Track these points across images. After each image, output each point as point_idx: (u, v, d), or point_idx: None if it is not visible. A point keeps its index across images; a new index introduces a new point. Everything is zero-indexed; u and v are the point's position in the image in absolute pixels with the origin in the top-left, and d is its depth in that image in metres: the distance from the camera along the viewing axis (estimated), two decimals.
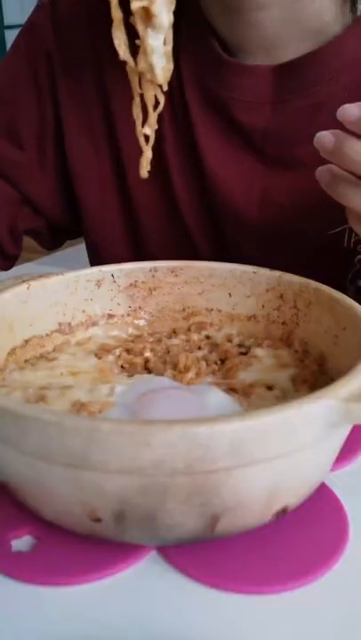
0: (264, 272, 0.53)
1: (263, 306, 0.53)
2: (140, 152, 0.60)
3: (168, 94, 0.60)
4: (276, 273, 0.52)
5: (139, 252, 0.69)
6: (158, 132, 0.60)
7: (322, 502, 0.40)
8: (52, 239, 0.77)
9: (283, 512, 0.36)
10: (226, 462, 0.31)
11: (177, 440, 0.30)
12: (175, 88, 0.63)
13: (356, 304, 0.44)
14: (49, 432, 0.31)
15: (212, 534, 0.35)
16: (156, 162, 0.61)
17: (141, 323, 0.56)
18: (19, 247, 0.73)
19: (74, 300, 0.53)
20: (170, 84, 0.57)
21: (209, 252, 0.66)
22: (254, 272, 0.53)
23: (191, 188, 0.65)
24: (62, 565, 0.36)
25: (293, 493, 0.37)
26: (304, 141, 0.57)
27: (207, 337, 0.54)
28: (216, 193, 0.64)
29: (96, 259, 0.72)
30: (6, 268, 0.73)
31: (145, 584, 0.35)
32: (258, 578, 0.35)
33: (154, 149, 0.57)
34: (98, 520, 0.34)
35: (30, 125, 0.68)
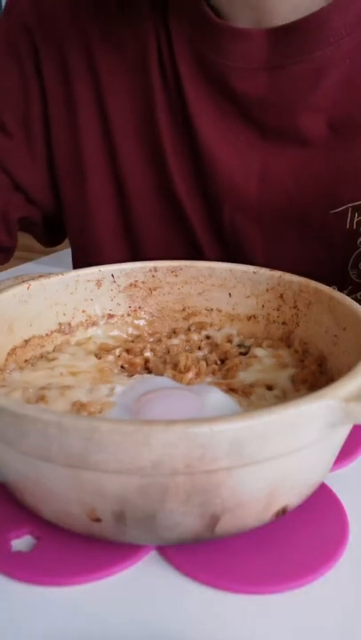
0: (264, 272, 0.53)
1: (263, 306, 0.53)
2: (129, 123, 0.60)
3: (159, 66, 0.59)
4: (277, 273, 0.52)
5: (130, 240, 0.66)
6: (150, 106, 0.60)
7: (322, 502, 0.40)
8: (48, 233, 0.73)
9: (283, 512, 0.36)
10: (226, 462, 0.31)
11: (177, 440, 0.30)
12: (166, 60, 0.60)
13: (355, 304, 0.44)
14: (49, 432, 0.31)
15: (212, 534, 0.35)
16: (148, 137, 0.60)
17: (141, 323, 0.56)
18: (13, 238, 0.69)
19: (74, 300, 0.53)
20: (161, 55, 0.56)
21: (206, 237, 0.63)
22: (254, 272, 0.53)
23: (185, 164, 0.62)
24: (62, 565, 0.36)
25: (293, 493, 0.37)
26: (305, 111, 0.56)
27: (207, 337, 0.54)
28: (212, 170, 0.60)
29: (81, 250, 0.69)
30: (1, 262, 0.71)
31: (145, 584, 0.35)
32: (258, 578, 0.35)
33: (146, 123, 0.56)
34: (98, 520, 0.34)
35: (15, 108, 0.64)
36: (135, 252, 0.66)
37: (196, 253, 0.64)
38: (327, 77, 0.55)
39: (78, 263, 0.69)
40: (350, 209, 0.57)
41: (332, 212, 0.58)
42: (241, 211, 0.61)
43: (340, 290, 0.58)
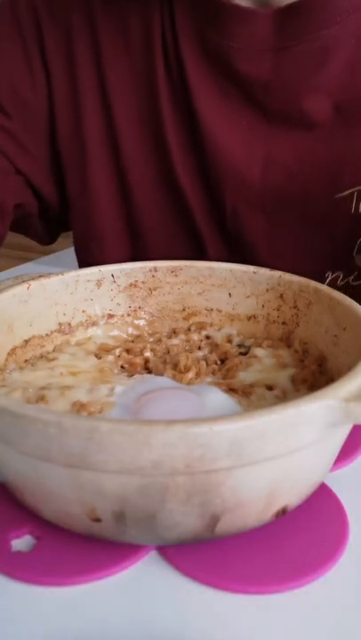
0: (264, 272, 0.53)
1: (263, 306, 0.53)
2: (132, 107, 0.58)
3: (162, 48, 0.58)
4: (277, 273, 0.52)
5: (130, 229, 0.64)
6: (153, 90, 0.59)
7: (322, 502, 0.40)
8: (44, 228, 0.71)
9: (283, 512, 0.36)
10: (226, 462, 0.31)
11: (177, 440, 0.30)
12: (170, 42, 0.59)
13: (355, 304, 0.44)
14: (49, 432, 0.31)
15: (212, 534, 0.35)
16: (150, 122, 0.59)
17: (141, 323, 0.56)
18: (5, 224, 0.64)
19: (74, 300, 0.53)
20: (164, 37, 0.55)
21: (207, 227, 0.62)
22: (254, 272, 0.53)
23: (187, 150, 0.60)
24: (62, 565, 0.36)
25: (293, 493, 0.37)
26: (310, 93, 0.54)
27: (207, 337, 0.54)
28: (214, 156, 0.59)
29: (83, 238, 0.67)
30: None
31: (145, 584, 0.35)
32: (258, 578, 0.35)
33: (148, 108, 0.55)
34: (98, 520, 0.34)
35: (16, 89, 0.62)
36: (136, 241, 0.64)
37: (197, 245, 0.63)
38: (333, 58, 0.54)
39: (81, 253, 0.67)
40: (356, 193, 0.56)
41: (336, 196, 0.57)
42: (244, 197, 0.60)
43: (345, 277, 0.56)
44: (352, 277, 0.58)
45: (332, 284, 0.57)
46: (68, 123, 0.63)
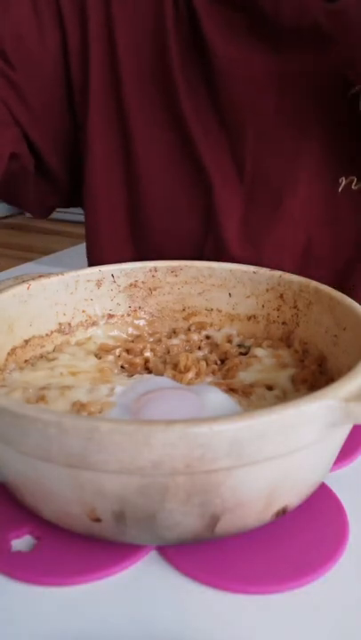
0: (264, 272, 0.53)
1: (263, 306, 0.53)
2: (136, 35, 0.55)
3: None
4: (277, 273, 0.52)
5: (127, 178, 0.60)
6: (159, 23, 0.56)
7: (322, 502, 0.40)
8: (39, 194, 0.67)
9: (283, 512, 0.36)
10: (226, 462, 0.31)
11: (177, 440, 0.30)
12: None
13: (356, 304, 0.44)
14: (49, 432, 0.31)
15: (212, 534, 0.35)
16: (156, 56, 0.56)
17: (141, 323, 0.56)
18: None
19: (74, 300, 0.53)
20: None
21: (216, 163, 0.57)
22: (254, 272, 0.53)
23: (195, 84, 0.57)
24: (62, 565, 0.36)
25: (293, 493, 0.37)
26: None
27: (207, 337, 0.54)
28: (226, 86, 0.55)
29: (92, 207, 0.63)
30: None
31: (145, 584, 0.35)
32: (258, 578, 0.35)
33: (154, 42, 0.53)
34: (98, 520, 0.34)
35: (25, 40, 0.59)
36: (134, 191, 0.61)
37: (203, 189, 0.58)
38: None
39: (90, 211, 0.64)
40: None
41: (349, 93, 0.53)
42: (259, 124, 0.56)
43: (359, 181, 0.54)
44: None
45: (347, 189, 0.55)
46: (76, 69, 0.60)
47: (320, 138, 0.54)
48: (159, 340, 0.53)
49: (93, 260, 0.65)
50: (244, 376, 0.46)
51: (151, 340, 0.54)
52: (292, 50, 0.53)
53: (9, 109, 0.59)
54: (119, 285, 0.55)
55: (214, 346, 0.52)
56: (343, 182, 0.56)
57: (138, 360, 0.49)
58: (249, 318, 0.54)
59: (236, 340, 0.53)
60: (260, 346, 0.51)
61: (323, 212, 0.56)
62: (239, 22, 0.54)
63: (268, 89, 0.55)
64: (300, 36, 0.52)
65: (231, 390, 0.44)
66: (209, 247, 0.59)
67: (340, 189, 0.56)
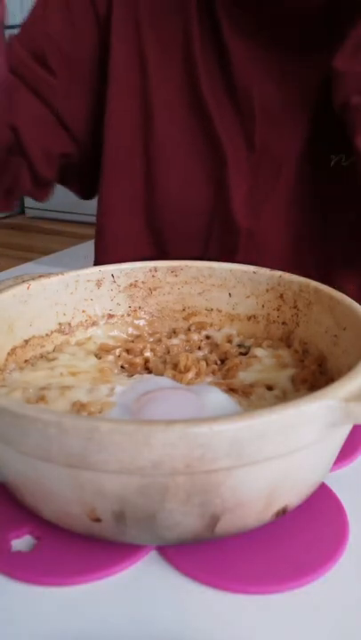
0: (264, 272, 0.53)
1: (263, 306, 0.53)
2: (162, 40, 0.61)
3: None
4: (277, 273, 0.52)
5: (146, 159, 0.64)
6: (185, 28, 0.62)
7: (322, 502, 0.40)
8: (84, 181, 0.72)
9: (283, 512, 0.36)
10: (226, 462, 0.31)
11: (177, 440, 0.30)
12: None
13: (355, 304, 0.44)
14: (49, 432, 0.31)
15: (212, 534, 0.35)
16: (182, 55, 0.62)
17: (141, 323, 0.56)
18: (53, 171, 0.67)
19: (74, 300, 0.53)
20: None
21: (231, 146, 0.62)
22: (254, 272, 0.53)
23: (214, 72, 0.61)
24: (62, 565, 0.36)
25: (293, 493, 0.37)
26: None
27: (207, 337, 0.54)
28: (238, 71, 0.61)
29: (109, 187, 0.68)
30: (40, 198, 0.69)
31: (145, 584, 0.35)
32: (258, 578, 0.35)
33: (181, 43, 0.59)
34: (98, 520, 0.34)
35: (62, 45, 0.64)
36: (152, 169, 0.65)
37: (217, 161, 0.62)
38: None
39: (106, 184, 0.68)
40: None
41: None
42: (264, 116, 0.61)
43: (348, 158, 0.59)
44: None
45: (338, 165, 0.59)
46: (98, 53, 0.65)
47: (311, 123, 0.58)
48: (159, 340, 0.53)
49: (104, 234, 0.68)
50: (244, 376, 0.46)
51: (151, 340, 0.54)
52: (293, 52, 0.57)
53: (55, 113, 0.65)
54: (119, 285, 0.55)
55: (214, 346, 0.52)
56: (334, 159, 0.60)
57: (138, 360, 0.49)
58: (249, 318, 0.54)
59: (236, 340, 0.53)
60: (260, 346, 0.51)
61: (312, 190, 0.61)
62: (253, 27, 0.59)
63: (273, 81, 0.60)
64: (300, 37, 0.56)
65: (231, 390, 0.44)
66: (218, 218, 0.63)
67: (331, 164, 0.59)
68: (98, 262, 0.69)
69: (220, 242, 0.63)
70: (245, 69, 0.60)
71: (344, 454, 0.42)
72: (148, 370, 0.49)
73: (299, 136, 0.60)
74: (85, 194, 0.76)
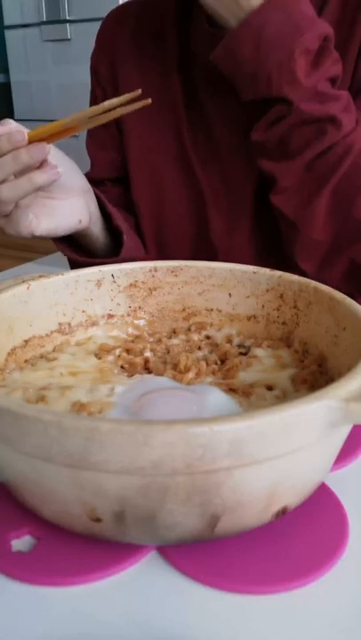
0: (264, 272, 0.53)
1: (263, 306, 0.53)
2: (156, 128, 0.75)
3: (180, 81, 0.73)
4: (277, 273, 0.52)
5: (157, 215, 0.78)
6: (170, 95, 0.73)
7: (322, 502, 0.40)
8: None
9: (282, 512, 0.36)
10: (226, 462, 0.31)
11: (177, 440, 0.30)
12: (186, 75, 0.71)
13: (355, 304, 0.44)
14: (49, 432, 0.31)
15: (212, 534, 0.35)
16: (170, 126, 0.74)
17: (141, 323, 0.56)
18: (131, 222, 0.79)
19: (74, 300, 0.53)
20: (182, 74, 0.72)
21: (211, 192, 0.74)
22: (254, 272, 0.53)
23: (197, 130, 0.73)
24: (62, 565, 0.36)
25: (293, 493, 0.37)
26: None
27: (207, 337, 0.54)
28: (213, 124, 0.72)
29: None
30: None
31: (145, 584, 0.35)
32: (258, 578, 0.35)
33: (167, 110, 0.74)
34: (98, 520, 0.34)
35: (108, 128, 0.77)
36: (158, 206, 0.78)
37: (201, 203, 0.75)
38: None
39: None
40: None
41: None
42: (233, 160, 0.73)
43: None
44: None
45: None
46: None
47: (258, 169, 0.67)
48: (159, 340, 0.53)
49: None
50: (245, 376, 0.46)
51: (151, 340, 0.54)
52: (253, 110, 0.64)
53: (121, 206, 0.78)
54: (119, 285, 0.55)
55: (214, 346, 0.52)
56: None
57: (138, 360, 0.49)
58: (249, 318, 0.54)
59: (236, 340, 0.53)
60: (260, 346, 0.51)
61: (269, 215, 0.69)
62: (225, 96, 0.69)
63: (238, 132, 0.70)
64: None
65: (231, 390, 0.44)
66: (201, 240, 0.77)
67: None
68: None
69: (203, 258, 0.74)
70: (219, 124, 0.72)
71: (344, 454, 0.42)
72: (148, 370, 0.49)
73: (256, 171, 0.70)
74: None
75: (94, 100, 0.82)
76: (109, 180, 0.81)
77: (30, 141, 0.53)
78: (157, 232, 0.79)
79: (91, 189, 0.68)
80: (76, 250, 0.72)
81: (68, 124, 0.53)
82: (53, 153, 0.57)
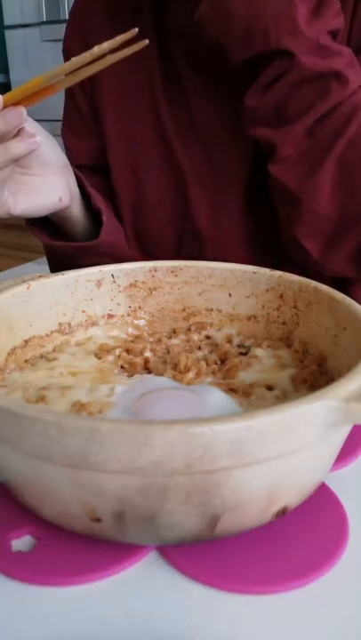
0: (264, 272, 0.53)
1: (263, 306, 0.53)
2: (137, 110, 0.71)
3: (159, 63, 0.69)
4: (277, 273, 0.52)
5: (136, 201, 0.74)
6: (149, 78, 0.70)
7: (322, 502, 0.40)
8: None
9: (282, 512, 0.36)
10: (226, 462, 0.31)
11: (177, 440, 0.30)
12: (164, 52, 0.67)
13: (355, 304, 0.44)
14: (49, 432, 0.31)
15: (212, 534, 0.35)
16: (150, 108, 0.71)
17: (141, 323, 0.56)
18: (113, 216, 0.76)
19: (74, 300, 0.53)
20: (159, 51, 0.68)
21: (193, 174, 0.71)
22: (254, 272, 0.53)
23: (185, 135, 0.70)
24: (62, 565, 0.36)
25: (293, 493, 0.37)
26: None
27: (207, 337, 0.54)
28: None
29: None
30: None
31: (145, 584, 0.35)
32: (258, 578, 0.35)
33: (149, 98, 0.69)
34: (98, 520, 0.34)
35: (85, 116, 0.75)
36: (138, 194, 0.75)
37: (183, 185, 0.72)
38: None
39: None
40: None
41: None
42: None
43: None
44: None
45: None
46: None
47: (255, 142, 0.63)
48: (159, 340, 0.53)
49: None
50: (245, 376, 0.46)
51: (151, 340, 0.54)
52: (237, 84, 0.61)
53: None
54: (119, 285, 0.55)
55: (214, 346, 0.52)
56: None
57: (138, 360, 0.49)
58: (249, 318, 0.54)
59: (236, 340, 0.53)
60: (260, 346, 0.51)
61: (261, 200, 0.66)
62: (206, 65, 0.66)
63: (223, 108, 0.67)
64: (241, 74, 0.60)
65: (231, 390, 0.44)
66: (186, 228, 0.72)
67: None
68: None
69: (189, 248, 0.72)
70: (200, 101, 0.68)
71: (344, 454, 0.42)
72: (148, 370, 0.49)
73: (247, 154, 0.66)
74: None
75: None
76: (87, 167, 0.76)
77: (5, 106, 0.47)
78: (137, 217, 0.75)
79: (70, 166, 0.63)
80: (51, 235, 0.67)
81: (47, 81, 0.46)
82: (29, 122, 0.52)
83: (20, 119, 0.48)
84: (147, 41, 0.46)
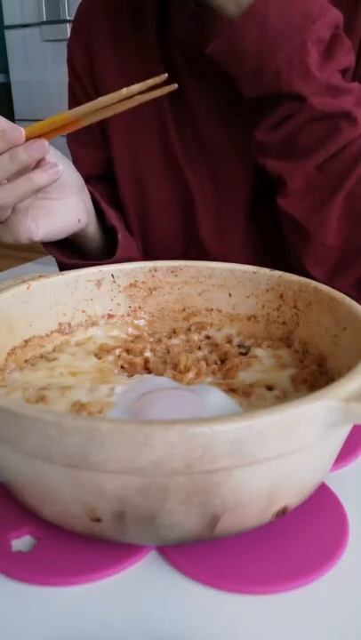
0: (264, 272, 0.53)
1: (263, 306, 0.53)
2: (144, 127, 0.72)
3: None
4: (277, 273, 0.52)
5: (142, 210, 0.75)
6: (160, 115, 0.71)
7: (322, 502, 0.40)
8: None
9: (282, 512, 0.36)
10: (226, 462, 0.31)
11: (177, 440, 0.30)
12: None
13: (355, 304, 0.44)
14: (49, 432, 0.31)
15: (212, 534, 0.35)
16: (158, 130, 0.71)
17: (141, 323, 0.56)
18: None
19: (74, 300, 0.53)
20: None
21: (198, 188, 0.72)
22: (254, 272, 0.53)
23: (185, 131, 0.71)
24: (62, 565, 0.36)
25: (293, 493, 0.37)
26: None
27: (207, 337, 0.54)
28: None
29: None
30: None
31: (145, 584, 0.35)
32: (258, 578, 0.35)
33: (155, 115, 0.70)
34: (98, 520, 0.34)
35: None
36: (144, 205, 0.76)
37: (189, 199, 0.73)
38: None
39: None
40: None
41: None
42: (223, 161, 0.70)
43: None
44: None
45: None
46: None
47: (253, 168, 0.66)
48: (159, 340, 0.53)
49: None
50: (245, 376, 0.46)
51: (151, 340, 0.54)
52: (243, 103, 0.60)
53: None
54: (119, 285, 0.55)
55: (214, 346, 0.52)
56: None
57: (138, 360, 0.49)
58: (249, 318, 0.54)
59: (236, 340, 0.53)
60: (260, 346, 0.51)
61: (265, 215, 0.68)
62: (211, 83, 0.67)
63: (228, 125, 0.68)
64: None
65: (231, 390, 0.44)
66: (192, 243, 0.74)
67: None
68: None
69: (194, 259, 0.74)
70: (205, 117, 0.69)
71: (344, 454, 0.42)
72: (148, 370, 0.49)
73: (251, 169, 0.66)
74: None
75: (72, 92, 0.78)
76: (93, 177, 0.77)
77: (27, 139, 0.49)
78: (144, 230, 0.76)
79: (85, 186, 0.64)
80: (64, 251, 0.68)
81: (71, 117, 0.48)
82: (49, 150, 0.53)
83: (42, 152, 0.49)
84: (176, 85, 0.48)
